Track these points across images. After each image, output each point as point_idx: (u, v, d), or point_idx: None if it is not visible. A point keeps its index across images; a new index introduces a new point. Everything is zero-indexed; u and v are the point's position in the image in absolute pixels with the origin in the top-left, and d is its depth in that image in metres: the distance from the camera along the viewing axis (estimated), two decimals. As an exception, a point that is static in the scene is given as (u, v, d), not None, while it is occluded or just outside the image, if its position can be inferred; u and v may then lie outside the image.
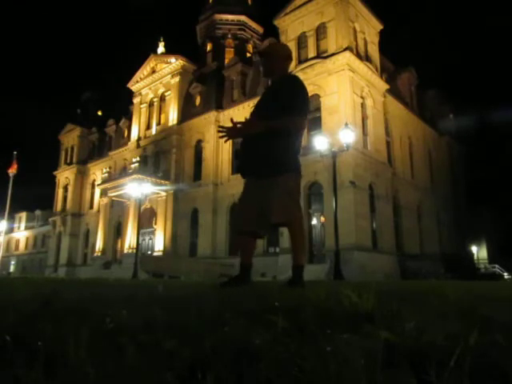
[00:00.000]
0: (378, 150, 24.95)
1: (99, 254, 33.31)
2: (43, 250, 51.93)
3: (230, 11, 39.56)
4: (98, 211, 36.94)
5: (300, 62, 25.70)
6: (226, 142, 3.45)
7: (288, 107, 3.19)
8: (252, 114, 3.47)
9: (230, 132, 3.22)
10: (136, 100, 37.22)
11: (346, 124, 15.91)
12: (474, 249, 33.83)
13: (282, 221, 3.20)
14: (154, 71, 35.98)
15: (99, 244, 33.73)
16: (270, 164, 3.19)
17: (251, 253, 3.44)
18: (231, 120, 3.24)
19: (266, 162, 3.20)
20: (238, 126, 3.21)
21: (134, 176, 28.34)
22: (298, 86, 3.37)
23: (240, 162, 3.53)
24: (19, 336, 0.91)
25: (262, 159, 3.22)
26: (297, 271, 3.25)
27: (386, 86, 26.72)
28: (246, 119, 3.44)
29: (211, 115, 30.49)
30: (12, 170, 26.23)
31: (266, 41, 30.94)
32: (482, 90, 71.88)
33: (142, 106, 36.52)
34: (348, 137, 15.30)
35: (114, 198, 33.20)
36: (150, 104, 36.11)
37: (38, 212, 58.45)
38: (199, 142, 31.65)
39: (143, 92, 36.64)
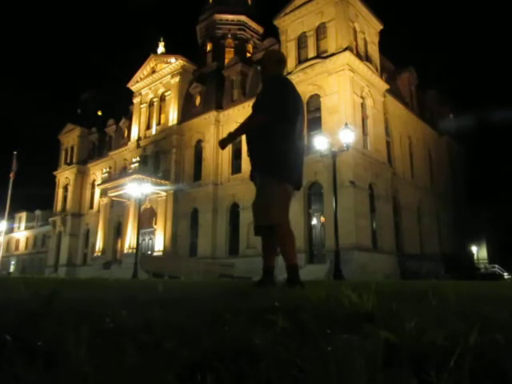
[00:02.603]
0: (378, 150, 24.95)
1: (99, 254, 33.31)
2: (43, 249, 51.94)
3: (230, 11, 39.55)
4: (98, 211, 36.94)
5: (300, 61, 25.71)
6: (222, 149, 3.74)
7: (259, 105, 3.43)
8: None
9: (222, 144, 3.58)
10: (136, 100, 37.22)
11: (346, 124, 15.91)
12: (474, 249, 33.82)
13: (265, 224, 3.33)
14: (154, 71, 35.98)
15: (99, 244, 33.74)
16: (254, 166, 3.44)
17: (273, 255, 3.54)
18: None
19: (253, 165, 3.46)
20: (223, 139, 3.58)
21: (134, 176, 28.34)
22: (271, 84, 3.54)
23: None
24: (19, 336, 0.91)
25: (251, 162, 3.48)
26: (292, 270, 3.28)
27: (386, 86, 26.72)
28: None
29: (211, 115, 30.49)
30: (12, 176, 26.29)
31: (266, 41, 30.97)
32: (482, 90, 71.92)
33: (141, 106, 36.52)
34: (348, 137, 15.30)
35: (114, 198, 33.19)
36: (150, 104, 36.11)
37: (37, 212, 58.46)
38: (199, 142, 31.65)
39: (143, 92, 36.64)
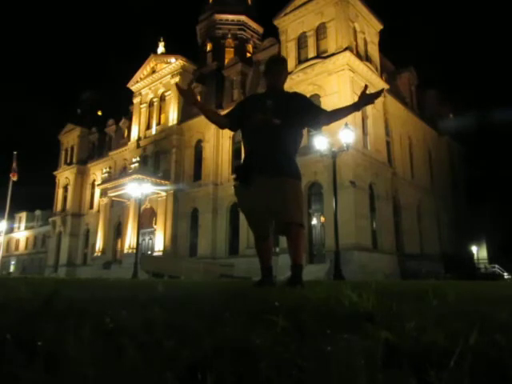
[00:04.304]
0: (378, 150, 24.95)
1: (99, 254, 33.32)
2: (43, 250, 51.93)
3: (230, 11, 39.57)
4: (98, 211, 36.95)
5: (300, 61, 25.70)
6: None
7: (322, 111, 3.54)
8: (264, 113, 3.40)
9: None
10: (136, 100, 37.23)
11: (346, 124, 15.90)
12: (474, 249, 33.83)
13: (294, 221, 3.32)
14: (154, 71, 35.99)
15: (99, 244, 33.74)
16: (287, 165, 3.35)
17: (270, 255, 3.56)
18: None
19: (285, 162, 3.34)
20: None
21: (134, 176, 28.34)
22: (303, 96, 3.74)
23: (251, 161, 3.42)
24: (19, 336, 0.91)
25: (281, 158, 3.33)
26: (297, 271, 3.28)
27: (385, 86, 26.69)
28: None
29: (211, 115, 30.46)
30: (13, 176, 26.24)
31: (266, 41, 30.97)
32: (481, 90, 71.91)
33: (142, 106, 36.52)
34: (348, 137, 15.31)
35: (114, 198, 33.20)
36: (150, 104, 36.11)
37: (37, 212, 58.45)
38: (199, 141, 31.66)
39: (143, 92, 36.65)
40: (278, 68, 3.65)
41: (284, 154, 3.35)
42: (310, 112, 3.45)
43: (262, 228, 3.45)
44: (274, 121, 3.32)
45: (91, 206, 41.53)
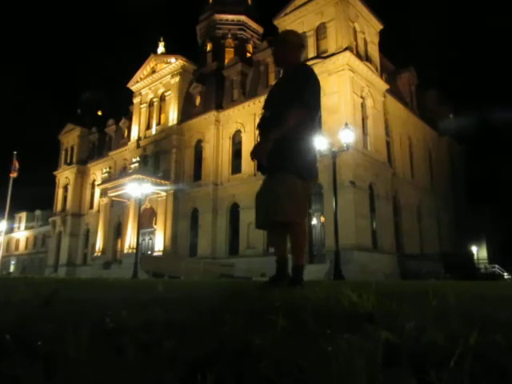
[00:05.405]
0: (378, 150, 24.95)
1: (99, 254, 33.31)
2: (43, 249, 51.93)
3: (230, 11, 39.55)
4: (98, 211, 36.95)
5: (300, 61, 25.69)
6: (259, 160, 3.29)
7: (292, 99, 3.15)
8: (264, 107, 3.48)
9: (255, 156, 3.20)
10: (136, 100, 37.22)
11: (346, 124, 15.90)
12: (474, 249, 33.80)
13: (281, 220, 3.16)
14: (154, 71, 35.99)
15: (99, 244, 33.73)
16: (273, 161, 3.13)
17: (284, 247, 3.42)
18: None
19: (271, 159, 3.13)
20: (255, 152, 3.17)
21: (134, 176, 28.33)
22: (304, 75, 3.36)
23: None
24: (19, 336, 0.91)
25: (269, 155, 3.14)
26: (297, 271, 3.26)
27: (385, 86, 26.72)
28: (256, 143, 3.28)
29: (211, 115, 30.49)
30: (13, 174, 26.24)
31: (266, 41, 30.98)
32: (482, 90, 71.91)
33: (142, 106, 36.52)
34: (348, 137, 15.29)
35: (114, 198, 33.20)
36: (150, 104, 36.11)
37: (37, 212, 58.46)
38: (199, 141, 31.65)
39: (143, 92, 36.65)
40: (275, 48, 3.52)
41: (283, 148, 3.12)
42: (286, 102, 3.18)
43: (258, 218, 3.35)
44: (264, 114, 3.27)
45: (91, 206, 41.53)
